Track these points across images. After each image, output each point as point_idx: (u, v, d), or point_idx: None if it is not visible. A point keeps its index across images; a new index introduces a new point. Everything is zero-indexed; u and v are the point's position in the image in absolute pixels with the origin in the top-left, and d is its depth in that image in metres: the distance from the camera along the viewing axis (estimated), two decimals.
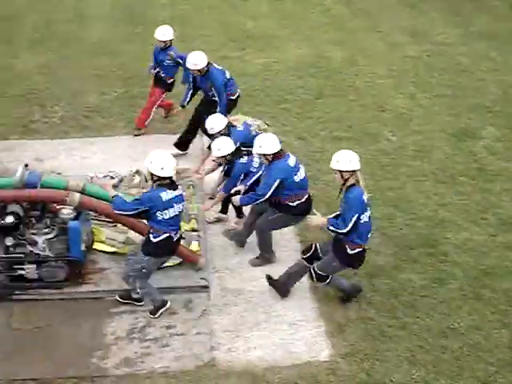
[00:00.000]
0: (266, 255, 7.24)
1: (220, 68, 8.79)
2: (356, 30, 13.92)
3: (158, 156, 6.04)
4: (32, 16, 14.51)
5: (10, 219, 6.33)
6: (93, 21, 14.20)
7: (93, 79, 11.40)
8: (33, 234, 6.58)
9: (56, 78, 11.36)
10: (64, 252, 6.62)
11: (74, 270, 6.76)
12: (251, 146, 7.03)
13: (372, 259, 7.31)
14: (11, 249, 6.57)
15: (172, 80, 9.54)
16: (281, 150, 6.77)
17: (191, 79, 8.91)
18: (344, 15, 14.87)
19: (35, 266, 6.61)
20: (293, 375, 5.97)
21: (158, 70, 9.52)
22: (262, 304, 6.73)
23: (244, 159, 7.25)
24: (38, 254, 6.61)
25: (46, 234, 6.60)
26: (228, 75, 8.82)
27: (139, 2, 15.25)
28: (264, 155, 6.71)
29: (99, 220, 7.39)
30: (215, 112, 8.27)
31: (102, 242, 7.26)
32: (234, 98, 8.83)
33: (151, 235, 6.12)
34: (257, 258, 7.26)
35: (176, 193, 6.11)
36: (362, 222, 6.16)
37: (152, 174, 6.03)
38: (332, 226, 6.19)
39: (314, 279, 6.54)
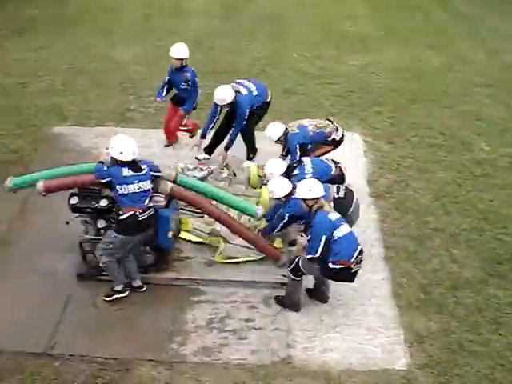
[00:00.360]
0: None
1: (246, 93, 8.35)
2: (455, 35, 13.58)
3: (118, 141, 6.25)
4: (132, 9, 15.01)
5: (104, 202, 6.54)
6: (190, 15, 14.52)
7: None
8: None
9: (152, 69, 11.67)
10: (152, 238, 6.79)
11: (160, 257, 6.93)
12: (313, 143, 7.67)
13: (457, 271, 7.15)
14: (102, 231, 6.78)
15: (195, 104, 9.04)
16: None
17: (216, 111, 8.52)
18: (443, 19, 14.55)
19: None
20: (367, 381, 5.92)
21: (176, 90, 8.99)
22: (342, 307, 6.70)
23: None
24: None
25: None
26: (255, 92, 8.44)
27: None
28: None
29: (187, 210, 7.56)
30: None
31: (188, 231, 7.42)
32: (261, 105, 8.59)
33: (119, 213, 6.29)
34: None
35: (138, 173, 6.26)
36: (334, 238, 6.13)
37: (113, 158, 6.24)
38: (307, 253, 6.22)
39: (288, 268, 6.51)
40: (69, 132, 9.49)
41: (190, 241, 7.38)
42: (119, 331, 6.41)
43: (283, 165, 7.33)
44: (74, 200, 6.60)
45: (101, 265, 6.58)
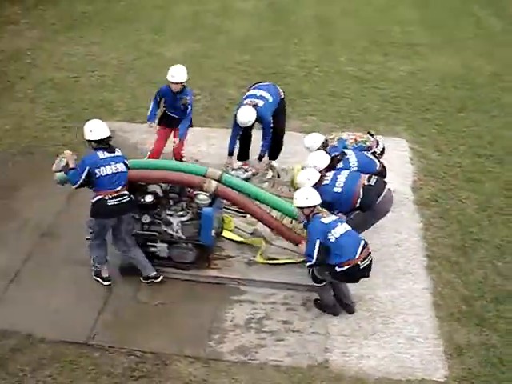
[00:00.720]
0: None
1: (263, 103, 8.14)
2: (507, 44, 13.29)
3: (89, 123, 6.67)
4: (182, 6, 15.17)
5: (149, 198, 6.65)
6: (239, 15, 14.60)
7: (234, 72, 11.72)
8: (168, 214, 6.85)
9: (200, 68, 11.76)
10: (195, 236, 6.85)
11: (202, 254, 6.99)
12: None
13: (501, 284, 7.01)
14: (147, 226, 6.89)
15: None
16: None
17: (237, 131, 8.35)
18: (496, 27, 14.27)
19: (167, 245, 6.93)
20: None
21: (169, 111, 8.42)
22: (381, 314, 6.63)
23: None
24: (170, 234, 6.88)
25: (181, 216, 6.85)
26: (270, 98, 8.24)
27: (285, 1, 15.47)
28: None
29: (230, 209, 7.62)
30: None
31: (230, 230, 7.47)
32: (278, 106, 8.44)
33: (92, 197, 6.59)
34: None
35: (112, 154, 6.57)
36: (331, 240, 6.13)
37: (87, 140, 6.61)
38: (307, 261, 6.29)
39: (310, 276, 6.54)
40: (117, 127, 9.63)
41: (232, 240, 7.42)
42: (158, 326, 6.49)
43: (326, 157, 7.27)
44: None
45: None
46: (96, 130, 6.55)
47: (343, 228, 6.27)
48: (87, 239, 6.83)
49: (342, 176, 6.88)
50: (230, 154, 8.45)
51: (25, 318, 6.56)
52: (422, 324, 6.52)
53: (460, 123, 10.26)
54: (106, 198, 6.47)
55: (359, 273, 6.28)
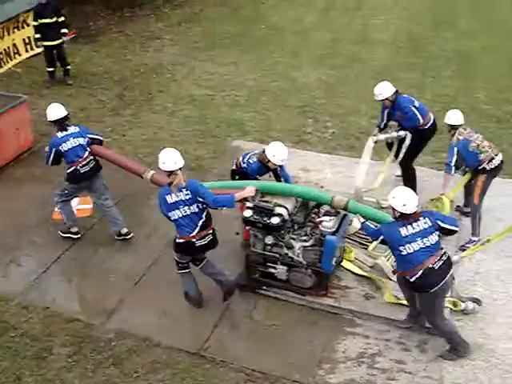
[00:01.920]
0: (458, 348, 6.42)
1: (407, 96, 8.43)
2: None
3: (49, 106, 7.92)
4: (320, 33, 15.38)
5: (275, 220, 6.73)
6: (376, 45, 14.57)
7: (367, 101, 11.64)
8: (292, 238, 6.90)
9: (333, 95, 11.85)
10: (315, 262, 6.86)
11: (320, 281, 6.98)
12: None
13: None
14: (269, 247, 6.99)
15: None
16: None
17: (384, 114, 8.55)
18: None
19: (286, 268, 6.98)
20: None
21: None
22: (500, 367, 6.25)
23: None
24: (291, 257, 6.93)
25: (304, 241, 6.89)
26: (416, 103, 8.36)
27: (423, 32, 15.26)
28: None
29: (352, 240, 7.57)
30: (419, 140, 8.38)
31: (350, 261, 7.42)
32: (426, 127, 8.36)
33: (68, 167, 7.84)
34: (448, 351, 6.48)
35: (68, 132, 7.78)
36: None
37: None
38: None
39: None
40: (247, 147, 9.88)
41: (350, 271, 7.36)
42: (270, 347, 6.54)
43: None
44: (248, 213, 6.85)
45: (56, 209, 8.17)
46: (51, 112, 7.85)
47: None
48: (57, 200, 8.02)
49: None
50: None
51: (144, 321, 6.87)
52: None
53: None
54: (78, 167, 7.70)
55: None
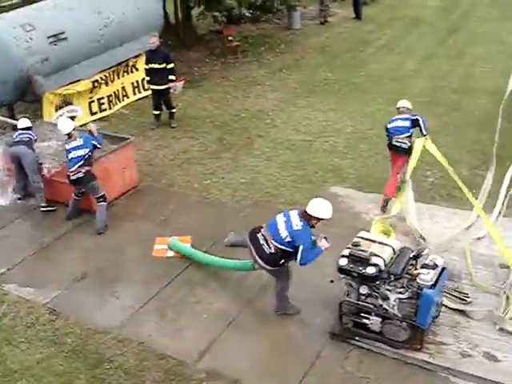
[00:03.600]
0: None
1: None
2: None
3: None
4: (419, 80, 15.32)
5: (371, 270, 6.67)
6: (479, 93, 14.24)
7: (469, 151, 11.41)
8: (387, 289, 6.80)
9: (433, 144, 11.57)
10: (411, 315, 6.71)
11: (415, 335, 6.80)
12: None
13: None
14: (363, 297, 6.92)
15: None
16: None
17: None
18: None
19: (380, 319, 6.86)
20: None
21: None
22: None
23: None
24: (386, 309, 6.82)
25: (400, 293, 6.76)
26: None
27: None
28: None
29: (451, 294, 7.37)
30: None
31: None
32: None
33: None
34: None
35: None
36: None
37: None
38: None
39: None
40: (344, 193, 9.91)
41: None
42: None
43: None
44: (343, 262, 6.84)
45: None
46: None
47: None
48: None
49: None
50: None
51: (235, 363, 6.92)
52: None
53: None
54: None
55: None
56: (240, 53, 17.73)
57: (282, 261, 7.08)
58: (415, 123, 9.29)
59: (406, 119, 9.36)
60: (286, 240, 6.93)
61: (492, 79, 14.92)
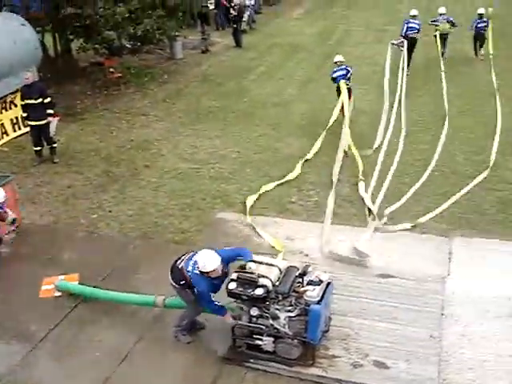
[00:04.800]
0: None
1: None
2: None
3: None
4: (299, 104, 15.85)
5: (259, 291, 6.77)
6: (358, 114, 14.85)
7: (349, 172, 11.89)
8: (276, 309, 6.91)
9: (314, 166, 12.07)
10: (302, 332, 6.85)
11: (307, 351, 6.95)
12: None
13: None
14: (254, 319, 6.99)
15: None
16: None
17: None
18: None
19: (273, 339, 6.96)
20: None
21: None
22: None
23: None
24: (277, 328, 6.92)
25: (289, 311, 6.89)
26: None
27: None
28: None
29: None
30: None
31: None
32: None
33: None
34: None
35: None
36: None
37: None
38: None
39: None
40: (232, 218, 10.02)
41: None
42: None
43: None
44: (233, 285, 6.91)
45: None
46: None
47: None
48: None
49: None
50: None
51: None
52: None
53: None
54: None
55: None
56: (123, 84, 17.64)
57: (183, 282, 7.09)
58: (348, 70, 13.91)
59: (344, 68, 13.90)
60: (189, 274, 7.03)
61: (367, 99, 15.72)
